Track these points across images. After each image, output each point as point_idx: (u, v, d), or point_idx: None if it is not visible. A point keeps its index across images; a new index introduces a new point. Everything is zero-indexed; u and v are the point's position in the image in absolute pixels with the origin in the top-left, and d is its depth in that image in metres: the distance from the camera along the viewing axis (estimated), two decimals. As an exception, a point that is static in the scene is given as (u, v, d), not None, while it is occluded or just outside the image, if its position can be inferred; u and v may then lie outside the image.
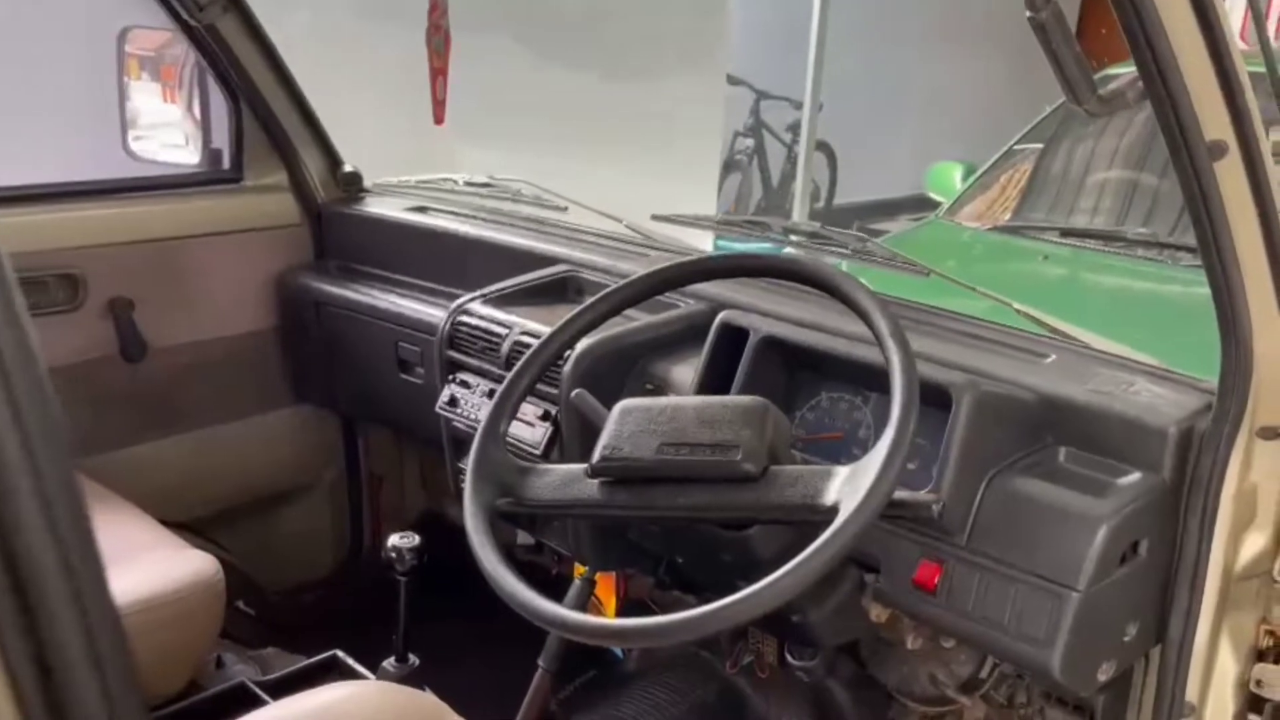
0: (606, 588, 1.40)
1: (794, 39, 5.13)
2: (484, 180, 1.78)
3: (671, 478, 0.90)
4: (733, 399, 0.98)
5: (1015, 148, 3.40)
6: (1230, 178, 0.82)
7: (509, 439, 1.24)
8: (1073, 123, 3.18)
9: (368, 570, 1.97)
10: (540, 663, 1.25)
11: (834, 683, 1.23)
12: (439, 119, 1.58)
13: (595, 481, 0.94)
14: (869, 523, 0.80)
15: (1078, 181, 3.17)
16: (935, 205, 3.36)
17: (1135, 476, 1.01)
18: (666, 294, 1.30)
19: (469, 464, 0.98)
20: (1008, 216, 3.13)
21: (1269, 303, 0.91)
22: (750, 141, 6.32)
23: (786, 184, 6.36)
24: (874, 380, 1.11)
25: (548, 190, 1.70)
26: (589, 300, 1.08)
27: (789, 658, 1.19)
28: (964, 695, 1.17)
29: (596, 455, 0.93)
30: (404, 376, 1.65)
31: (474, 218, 1.74)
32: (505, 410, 1.02)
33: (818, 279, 0.96)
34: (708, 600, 0.91)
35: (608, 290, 1.07)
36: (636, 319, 1.29)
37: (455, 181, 1.82)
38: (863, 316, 0.92)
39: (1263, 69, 0.99)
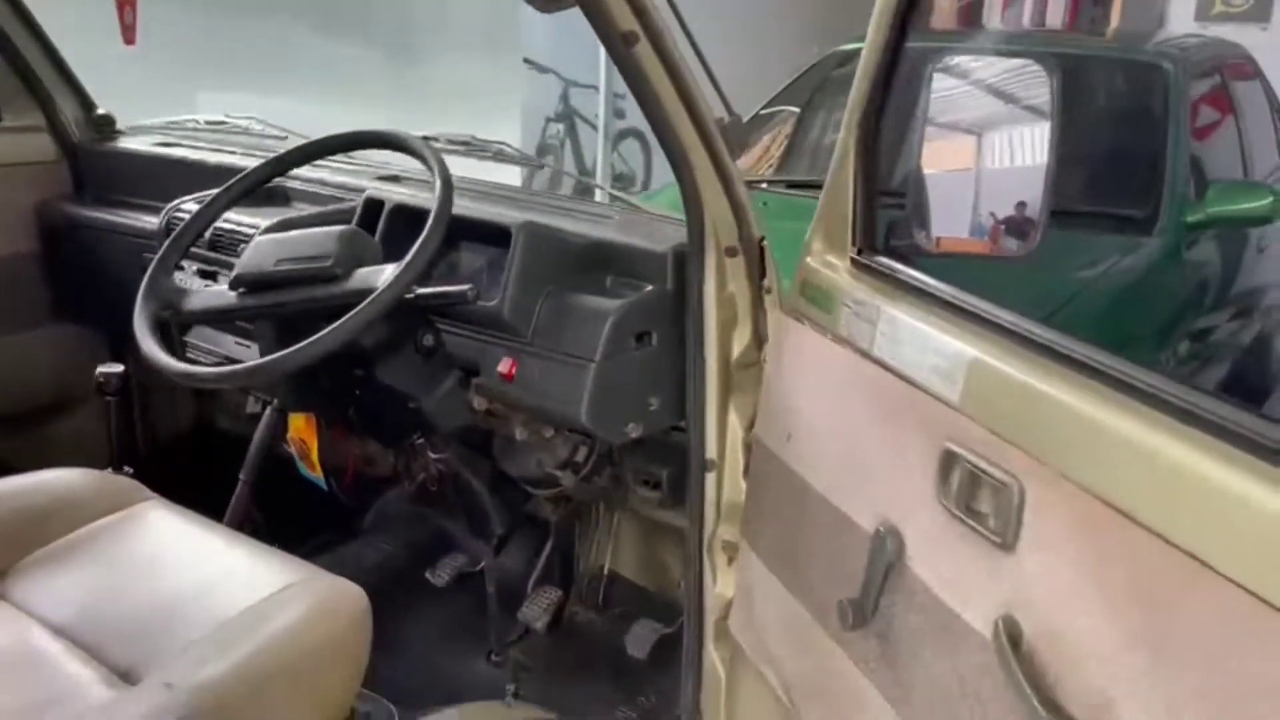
0: (310, 431, 1.73)
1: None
2: (220, 119, 2.08)
3: (285, 281, 1.25)
4: (335, 228, 1.34)
5: (761, 113, 3.88)
6: (648, 61, 1.21)
7: None
8: (828, 91, 3.66)
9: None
10: (241, 475, 1.58)
11: (476, 481, 1.60)
12: (129, 40, 1.85)
13: (234, 292, 1.28)
14: (401, 292, 1.17)
15: (832, 142, 3.66)
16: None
17: (647, 288, 1.41)
18: (334, 192, 1.65)
19: (140, 292, 1.31)
20: (767, 173, 3.58)
21: (703, 156, 1.31)
22: (561, 127, 6.71)
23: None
24: (493, 238, 1.47)
25: (273, 124, 2.02)
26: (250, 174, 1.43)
27: (431, 454, 1.56)
28: (564, 473, 1.55)
29: (233, 273, 1.27)
30: None
31: (212, 149, 2.05)
32: (174, 251, 1.35)
33: (395, 142, 1.33)
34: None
35: (258, 164, 1.42)
36: (305, 210, 1.64)
37: (197, 121, 2.12)
38: (422, 161, 1.29)
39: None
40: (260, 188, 1.52)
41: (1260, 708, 0.67)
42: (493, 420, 1.52)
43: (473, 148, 1.73)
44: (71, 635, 1.11)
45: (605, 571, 1.82)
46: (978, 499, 0.93)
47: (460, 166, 1.99)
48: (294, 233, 1.33)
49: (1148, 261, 2.86)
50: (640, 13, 1.18)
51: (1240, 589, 0.68)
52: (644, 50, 1.21)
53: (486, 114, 5.15)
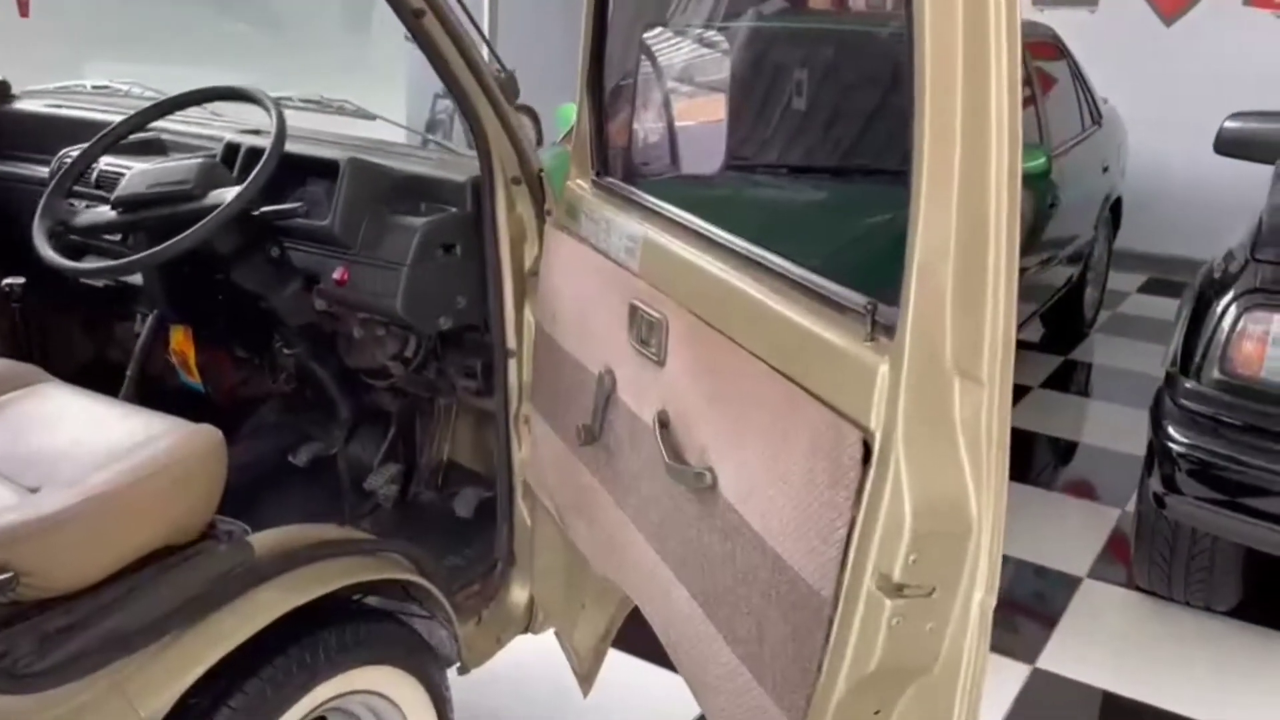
0: (187, 343, 2.07)
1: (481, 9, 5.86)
2: (104, 83, 2.39)
3: (154, 201, 1.60)
4: (196, 160, 1.69)
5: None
6: (435, 30, 1.59)
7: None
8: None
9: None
10: (128, 372, 1.93)
11: (324, 372, 1.96)
12: (24, 13, 2.13)
13: (114, 211, 1.62)
14: (242, 206, 1.54)
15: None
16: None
17: (451, 210, 1.79)
18: (203, 143, 1.99)
19: (38, 210, 1.64)
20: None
21: (485, 105, 1.68)
22: (449, 102, 7.01)
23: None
24: (330, 172, 1.80)
25: (151, 88, 2.34)
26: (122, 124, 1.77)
27: (284, 350, 1.92)
28: (394, 364, 1.92)
29: (114, 195, 1.61)
30: None
31: (97, 109, 2.35)
32: (65, 179, 1.69)
33: (240, 94, 1.69)
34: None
35: (129, 115, 1.76)
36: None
37: (84, 86, 2.42)
38: (262, 107, 1.65)
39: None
40: (131, 136, 1.86)
41: (759, 417, 1.08)
42: (335, 322, 1.88)
43: (322, 105, 2.08)
44: (-10, 468, 1.45)
45: (444, 459, 2.20)
46: (648, 335, 1.34)
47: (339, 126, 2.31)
48: (163, 164, 1.67)
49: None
50: (425, -10, 1.56)
51: (757, 359, 1.10)
52: (430, 22, 1.58)
53: (373, 88, 5.45)
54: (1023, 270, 3.85)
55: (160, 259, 1.52)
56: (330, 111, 2.05)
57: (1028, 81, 4.19)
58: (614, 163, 1.58)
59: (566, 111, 4.86)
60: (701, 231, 1.28)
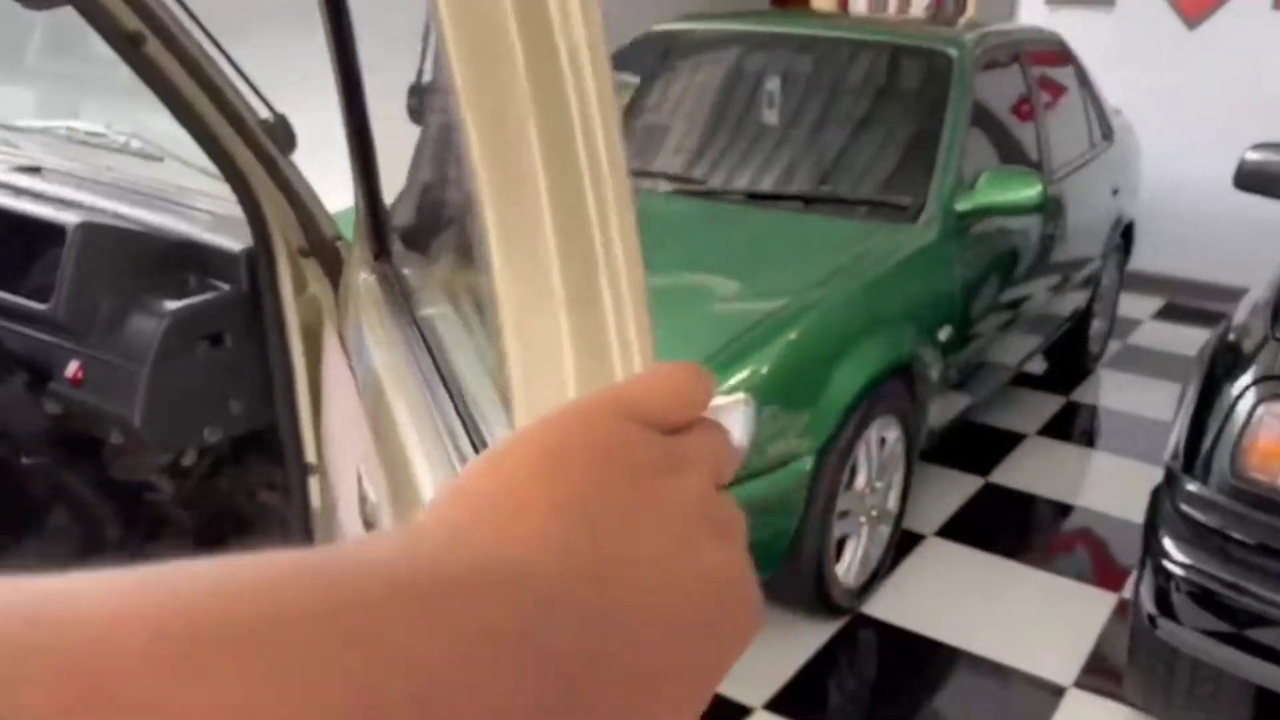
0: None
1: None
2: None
3: None
4: None
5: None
6: (161, 59, 1.18)
7: None
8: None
9: None
10: None
11: (80, 486, 1.56)
12: None
13: None
14: None
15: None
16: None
17: (223, 288, 1.39)
18: None
19: None
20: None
21: (249, 157, 1.28)
22: (414, 100, 6.62)
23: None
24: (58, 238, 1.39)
25: None
26: None
27: (25, 459, 1.52)
28: (164, 480, 1.52)
29: None
30: None
31: None
32: None
33: None
34: None
35: None
36: None
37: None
38: None
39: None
40: None
41: None
42: (87, 422, 1.48)
43: (107, 139, 1.68)
44: None
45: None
46: (373, 522, 0.93)
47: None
48: None
49: (911, 248, 2.90)
50: (144, 12, 1.15)
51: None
52: (156, 50, 1.18)
53: (319, 93, 5.05)
54: (1019, 305, 3.46)
55: None
56: (115, 149, 1.64)
57: (1027, 97, 3.75)
58: (393, 239, 1.17)
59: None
60: (438, 374, 0.86)
